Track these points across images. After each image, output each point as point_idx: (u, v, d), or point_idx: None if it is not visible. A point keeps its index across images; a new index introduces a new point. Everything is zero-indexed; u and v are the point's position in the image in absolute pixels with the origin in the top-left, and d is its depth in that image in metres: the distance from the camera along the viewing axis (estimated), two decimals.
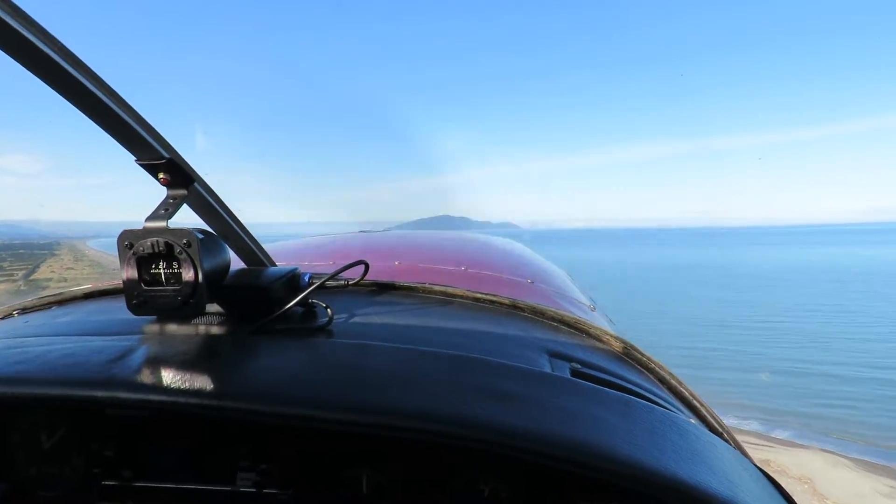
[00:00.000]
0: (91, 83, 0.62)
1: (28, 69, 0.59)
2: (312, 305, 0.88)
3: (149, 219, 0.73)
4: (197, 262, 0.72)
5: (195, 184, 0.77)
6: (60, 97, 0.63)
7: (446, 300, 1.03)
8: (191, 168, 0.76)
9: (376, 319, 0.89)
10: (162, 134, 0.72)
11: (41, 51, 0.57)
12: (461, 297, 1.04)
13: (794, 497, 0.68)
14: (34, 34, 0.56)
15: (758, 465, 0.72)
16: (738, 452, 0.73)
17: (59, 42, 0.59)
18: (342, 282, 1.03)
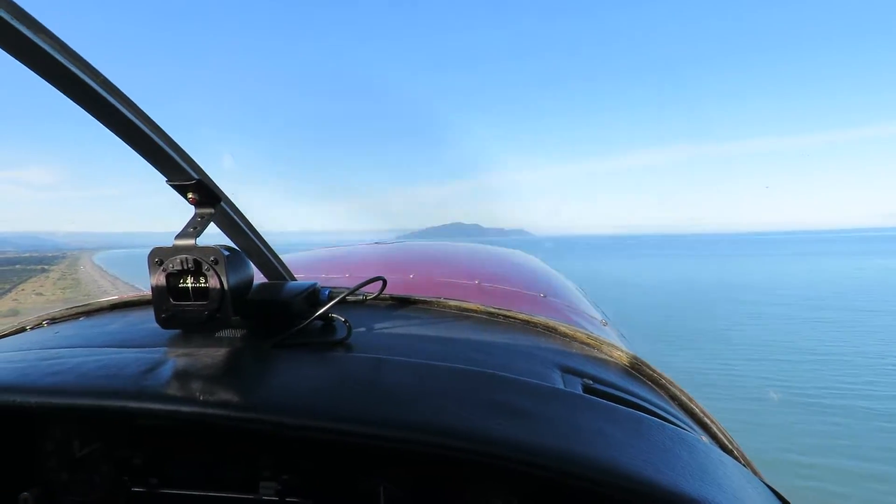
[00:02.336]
0: (130, 112, 0.70)
1: (74, 101, 0.67)
2: (331, 320, 0.94)
3: (178, 236, 0.81)
4: (223, 279, 0.79)
5: (221, 202, 0.84)
6: (94, 120, 0.71)
7: (461, 315, 1.08)
8: (218, 188, 0.84)
9: (393, 333, 0.94)
10: (191, 156, 0.81)
11: (88, 85, 0.64)
12: (476, 311, 1.09)
13: None
14: (81, 69, 0.64)
15: (768, 483, 0.74)
16: (748, 471, 0.76)
17: (101, 74, 0.66)
18: (360, 296, 1.10)
